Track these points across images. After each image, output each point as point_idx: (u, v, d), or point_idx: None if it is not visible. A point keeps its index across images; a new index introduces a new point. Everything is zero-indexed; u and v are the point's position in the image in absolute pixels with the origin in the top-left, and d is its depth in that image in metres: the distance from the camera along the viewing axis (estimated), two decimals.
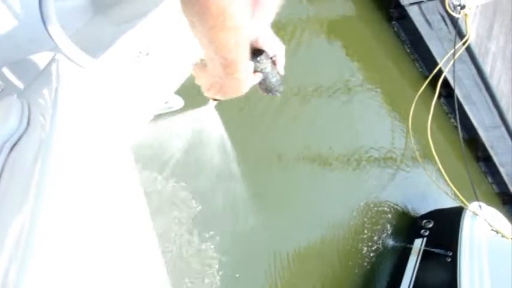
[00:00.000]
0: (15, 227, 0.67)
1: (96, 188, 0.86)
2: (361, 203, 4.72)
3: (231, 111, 3.06)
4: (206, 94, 1.18)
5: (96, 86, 1.23)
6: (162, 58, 1.43)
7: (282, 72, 1.21)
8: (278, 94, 1.22)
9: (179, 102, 1.50)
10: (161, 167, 2.74)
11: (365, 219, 4.69)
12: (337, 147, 4.55)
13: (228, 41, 0.89)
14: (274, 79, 1.19)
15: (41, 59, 1.21)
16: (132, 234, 0.82)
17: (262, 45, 1.16)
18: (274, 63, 1.18)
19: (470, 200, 5.28)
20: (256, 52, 1.14)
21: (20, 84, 1.20)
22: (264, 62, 1.15)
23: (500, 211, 5.62)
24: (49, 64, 1.18)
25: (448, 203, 5.74)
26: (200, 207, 2.95)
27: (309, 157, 4.11)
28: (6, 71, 1.22)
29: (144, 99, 1.41)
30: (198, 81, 1.17)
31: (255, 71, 1.15)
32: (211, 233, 3.00)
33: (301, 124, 3.99)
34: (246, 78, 1.09)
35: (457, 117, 5.44)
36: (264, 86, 1.20)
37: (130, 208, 0.88)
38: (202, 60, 1.11)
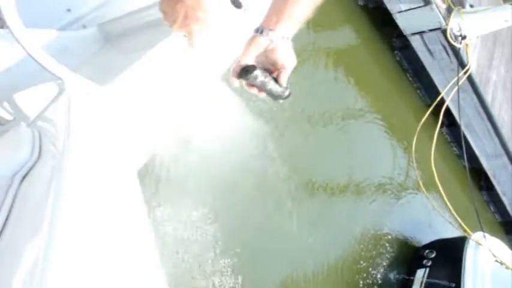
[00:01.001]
0: (28, 260, 0.66)
1: (107, 218, 0.86)
2: (362, 232, 4.68)
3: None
4: (171, 26, 1.16)
5: (106, 113, 1.23)
6: (168, 86, 1.44)
7: (284, 85, 1.21)
8: (281, 101, 1.25)
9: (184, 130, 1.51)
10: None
11: (365, 248, 4.63)
12: (338, 174, 4.54)
13: None
14: (274, 89, 1.20)
15: (51, 87, 1.22)
16: (139, 265, 0.82)
17: (276, 56, 1.17)
18: (276, 75, 1.20)
19: (473, 230, 5.24)
20: (249, 68, 1.16)
21: (31, 113, 1.21)
22: (254, 78, 1.16)
23: (503, 241, 5.58)
24: (59, 93, 1.19)
25: (451, 232, 5.70)
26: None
27: (308, 184, 4.09)
28: (17, 99, 1.23)
29: (152, 125, 1.41)
30: (162, 10, 1.16)
31: (251, 85, 1.18)
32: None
33: (302, 151, 3.99)
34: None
35: (463, 146, 5.43)
36: (266, 93, 1.22)
37: (137, 237, 0.87)
38: None
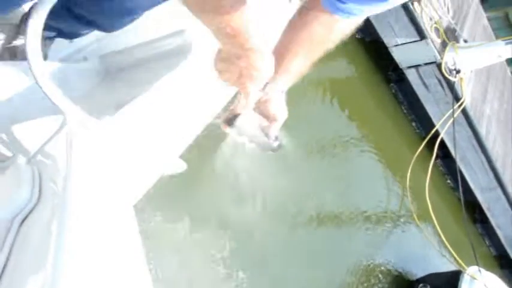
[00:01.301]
0: None
1: (106, 255, 0.85)
2: (353, 264, 4.63)
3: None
4: (224, 80, 1.14)
5: (105, 148, 1.22)
6: (169, 122, 1.43)
7: (272, 137, 1.22)
8: (270, 152, 1.25)
9: (182, 166, 1.50)
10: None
11: (357, 280, 4.57)
12: (332, 205, 4.52)
13: (232, 6, 0.91)
14: (263, 141, 1.21)
15: (52, 121, 1.21)
16: None
17: (269, 108, 1.19)
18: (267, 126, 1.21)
19: (468, 264, 5.21)
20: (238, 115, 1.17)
21: (30, 147, 1.20)
22: (244, 128, 1.18)
23: (498, 275, 5.55)
24: (61, 127, 1.18)
25: (445, 266, 5.67)
26: None
27: (300, 214, 4.06)
28: (16, 131, 1.22)
29: (151, 161, 1.40)
30: (217, 70, 1.14)
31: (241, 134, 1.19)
32: None
33: (297, 180, 3.97)
34: (261, 52, 1.04)
35: (459, 179, 5.46)
36: (255, 144, 1.22)
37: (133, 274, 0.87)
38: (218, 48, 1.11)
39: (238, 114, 1.17)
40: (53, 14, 1.17)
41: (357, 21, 1.13)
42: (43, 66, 1.05)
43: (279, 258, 3.65)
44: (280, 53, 1.14)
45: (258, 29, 1.01)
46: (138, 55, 1.57)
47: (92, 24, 1.42)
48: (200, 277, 2.87)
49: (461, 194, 5.10)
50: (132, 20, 1.42)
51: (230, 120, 1.18)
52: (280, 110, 1.22)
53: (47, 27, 1.46)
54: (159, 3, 1.33)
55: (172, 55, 1.53)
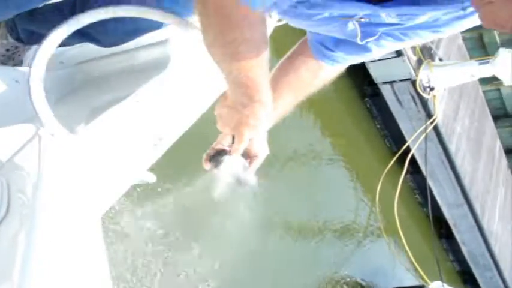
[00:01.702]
0: None
1: (72, 266, 0.85)
2: (319, 276, 4.65)
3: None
4: (223, 130, 1.17)
5: (76, 159, 1.21)
6: (142, 133, 1.42)
7: (251, 174, 1.25)
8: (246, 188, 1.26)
9: (152, 178, 1.49)
10: None
11: None
12: (300, 217, 4.53)
13: (249, 55, 0.94)
14: (243, 177, 1.23)
15: (20, 131, 1.19)
16: None
17: (252, 145, 1.21)
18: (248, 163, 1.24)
19: (432, 278, 5.29)
20: (223, 154, 1.20)
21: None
22: (226, 165, 1.20)
23: None
24: (33, 136, 1.17)
25: (410, 280, 5.74)
26: None
27: (269, 225, 4.04)
28: None
29: (121, 172, 1.38)
30: (218, 115, 1.15)
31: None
32: None
33: (267, 192, 3.97)
34: (267, 105, 1.05)
35: (428, 196, 5.54)
36: (234, 179, 1.23)
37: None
38: (224, 94, 1.13)
39: (224, 153, 1.20)
40: (50, 23, 1.18)
41: (340, 68, 1.24)
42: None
43: (245, 269, 3.63)
44: None
45: (268, 83, 1.03)
46: (116, 64, 1.56)
47: (91, 39, 1.43)
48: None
49: (429, 210, 5.18)
50: (132, 39, 1.44)
51: (216, 160, 1.20)
52: (262, 147, 1.27)
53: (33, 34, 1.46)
54: (159, 27, 1.39)
55: (150, 66, 1.52)
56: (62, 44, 1.40)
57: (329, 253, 4.84)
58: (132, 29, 1.43)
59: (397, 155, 5.61)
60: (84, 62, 1.60)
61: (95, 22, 1.27)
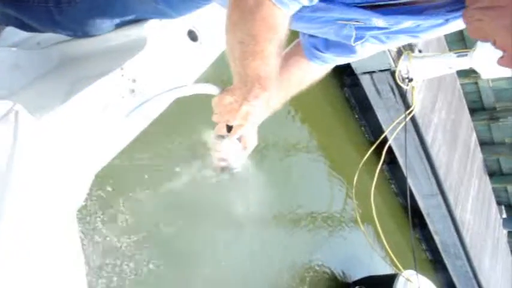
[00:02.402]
0: None
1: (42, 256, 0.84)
2: (293, 265, 4.66)
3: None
4: (219, 120, 1.26)
5: (48, 142, 1.20)
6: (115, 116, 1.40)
7: (239, 163, 1.36)
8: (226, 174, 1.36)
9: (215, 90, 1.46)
10: None
11: (293, 281, 4.61)
12: (275, 205, 4.51)
13: (271, 49, 1.00)
14: (233, 162, 1.33)
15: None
16: None
17: (245, 136, 1.32)
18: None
19: (405, 267, 5.37)
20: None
21: None
22: (232, 143, 1.29)
23: (433, 279, 5.75)
24: (6, 113, 1.15)
25: (383, 269, 5.81)
26: None
27: (243, 214, 4.02)
28: None
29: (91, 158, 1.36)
30: (219, 105, 1.22)
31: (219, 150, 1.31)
32: None
33: (243, 181, 3.95)
34: (269, 91, 1.12)
35: (408, 185, 5.62)
36: (223, 162, 1.33)
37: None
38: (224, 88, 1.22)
39: (223, 137, 1.28)
40: (33, 12, 1.20)
41: (328, 68, 1.39)
42: None
43: (216, 257, 3.62)
44: None
45: (275, 73, 1.09)
46: (94, 45, 1.54)
47: (66, 29, 1.44)
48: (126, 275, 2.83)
49: (408, 200, 5.25)
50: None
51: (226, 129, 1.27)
52: (253, 139, 1.37)
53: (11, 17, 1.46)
54: (146, 19, 1.46)
55: (127, 47, 1.51)
56: (36, 30, 1.39)
57: (303, 241, 4.86)
58: (120, 22, 1.47)
59: (374, 145, 5.66)
60: (60, 43, 1.58)
61: (84, 16, 1.29)
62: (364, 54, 1.26)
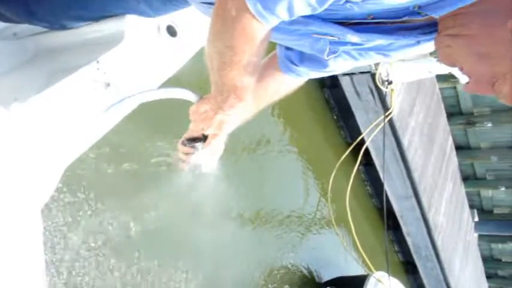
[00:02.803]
0: None
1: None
2: (265, 264, 4.66)
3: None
4: (196, 127, 1.31)
5: (23, 132, 1.18)
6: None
7: (207, 167, 1.40)
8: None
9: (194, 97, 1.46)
10: None
11: (264, 280, 4.61)
12: (251, 206, 4.49)
13: (249, 60, 1.03)
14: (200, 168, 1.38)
15: None
16: None
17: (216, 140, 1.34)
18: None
19: (377, 268, 5.42)
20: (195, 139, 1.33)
21: None
22: (202, 150, 1.34)
23: (404, 280, 5.82)
24: None
25: (355, 270, 5.85)
26: None
27: (217, 214, 3.96)
28: None
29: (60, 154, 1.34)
30: (195, 113, 1.28)
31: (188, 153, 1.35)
32: None
33: (217, 180, 3.90)
34: (243, 102, 1.17)
35: (384, 188, 5.65)
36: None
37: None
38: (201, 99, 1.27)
39: (198, 140, 1.33)
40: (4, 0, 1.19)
41: (302, 81, 1.42)
42: None
43: (187, 257, 3.58)
44: None
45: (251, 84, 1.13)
46: (70, 38, 1.52)
47: (42, 21, 1.43)
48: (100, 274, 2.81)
49: (384, 204, 5.30)
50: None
51: (190, 144, 1.33)
52: (220, 146, 1.40)
53: None
54: (125, 13, 1.46)
55: (104, 40, 1.49)
56: (12, 21, 1.36)
57: (276, 241, 4.84)
58: (96, 16, 1.46)
59: (351, 146, 5.70)
60: (37, 34, 1.56)
61: (62, 9, 1.28)
62: (336, 69, 1.28)
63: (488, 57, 0.90)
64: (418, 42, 1.05)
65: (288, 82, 1.42)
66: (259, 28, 0.98)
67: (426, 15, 0.95)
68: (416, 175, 6.73)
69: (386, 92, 5.44)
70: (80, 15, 1.44)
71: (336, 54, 1.15)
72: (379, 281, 5.18)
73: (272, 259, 4.77)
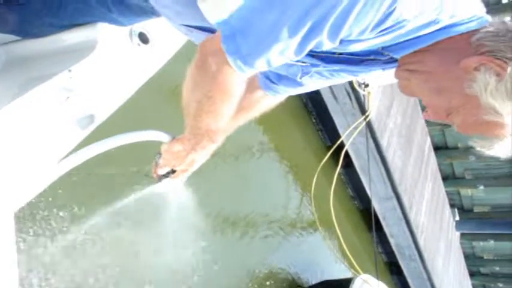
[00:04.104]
0: None
1: None
2: (248, 268, 4.61)
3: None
4: (165, 164, 1.39)
5: None
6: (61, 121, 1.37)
7: (182, 179, 1.47)
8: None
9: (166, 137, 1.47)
10: None
11: (248, 285, 4.56)
12: (232, 209, 4.44)
13: (225, 110, 1.11)
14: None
15: None
16: None
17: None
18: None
19: (362, 270, 5.44)
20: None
21: None
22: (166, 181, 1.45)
23: (389, 280, 5.85)
24: None
25: (339, 273, 5.85)
26: None
27: (198, 218, 3.92)
28: None
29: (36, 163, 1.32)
30: (167, 152, 1.35)
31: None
32: None
33: (197, 184, 3.88)
34: (216, 143, 1.27)
35: (370, 190, 5.69)
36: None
37: None
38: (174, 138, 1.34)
39: (168, 174, 1.42)
40: None
41: (281, 98, 1.48)
42: None
43: (167, 264, 3.53)
44: None
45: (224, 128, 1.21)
46: (41, 46, 1.51)
47: (14, 29, 1.44)
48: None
49: (372, 206, 5.33)
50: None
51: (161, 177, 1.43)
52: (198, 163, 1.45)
53: None
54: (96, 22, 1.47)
55: (77, 48, 1.49)
56: None
57: (259, 246, 4.79)
58: (68, 24, 1.47)
59: (331, 150, 5.73)
60: (8, 43, 1.55)
61: (34, 17, 1.28)
62: (312, 87, 1.35)
63: (444, 92, 0.98)
64: (383, 70, 1.14)
65: (267, 99, 1.49)
66: (237, 80, 1.05)
67: (389, 55, 1.04)
68: (396, 176, 6.78)
69: (363, 94, 5.48)
70: (52, 23, 1.43)
71: (309, 75, 1.23)
72: (366, 282, 5.20)
73: (255, 264, 4.73)
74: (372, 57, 1.08)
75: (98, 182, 2.79)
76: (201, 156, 1.32)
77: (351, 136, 5.66)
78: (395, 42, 0.98)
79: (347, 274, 5.86)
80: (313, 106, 6.02)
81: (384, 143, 6.33)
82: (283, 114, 5.58)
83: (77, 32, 1.49)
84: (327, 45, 0.95)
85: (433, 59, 0.98)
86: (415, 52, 1.00)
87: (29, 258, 2.44)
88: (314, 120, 6.17)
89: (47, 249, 2.53)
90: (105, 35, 1.47)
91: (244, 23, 0.94)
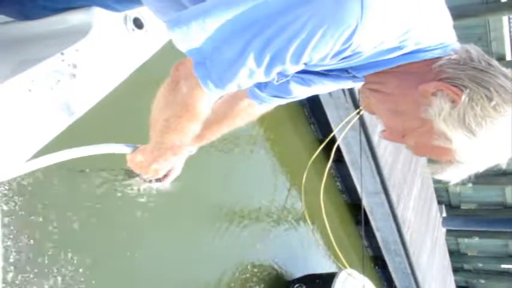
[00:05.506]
0: None
1: None
2: (233, 261, 4.62)
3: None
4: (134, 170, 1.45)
5: None
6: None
7: (160, 186, 1.53)
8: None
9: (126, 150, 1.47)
10: None
11: (232, 279, 4.55)
12: (220, 202, 4.47)
13: (192, 129, 1.15)
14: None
15: None
16: None
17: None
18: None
19: (347, 264, 5.47)
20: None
21: None
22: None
23: (372, 275, 5.89)
24: None
25: (325, 267, 5.86)
26: None
27: (186, 210, 3.87)
28: None
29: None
30: (130, 163, 1.42)
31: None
32: None
33: (186, 177, 3.83)
34: (179, 154, 1.36)
35: (361, 184, 5.68)
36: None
37: None
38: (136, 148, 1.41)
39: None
40: None
41: (267, 107, 1.49)
42: None
43: (152, 256, 3.50)
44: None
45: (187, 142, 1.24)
46: (35, 29, 1.49)
47: (6, 10, 1.42)
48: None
49: (362, 203, 5.35)
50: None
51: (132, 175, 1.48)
52: (175, 170, 1.53)
53: None
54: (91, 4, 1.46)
55: (71, 32, 1.47)
56: None
57: (245, 238, 4.74)
58: (62, 7, 1.45)
59: (324, 143, 5.73)
60: (1, 24, 1.53)
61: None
62: (299, 95, 1.36)
63: (400, 114, 1.01)
64: (354, 81, 1.16)
65: (253, 108, 1.50)
66: (207, 102, 1.09)
67: (352, 73, 1.07)
68: (385, 171, 6.81)
69: (358, 89, 5.47)
70: (46, 5, 1.42)
71: (287, 78, 1.25)
72: (350, 275, 5.24)
73: (241, 257, 4.72)
74: (335, 72, 1.11)
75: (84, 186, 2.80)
76: (164, 166, 1.40)
77: (343, 130, 5.66)
78: (358, 64, 1.01)
79: (333, 268, 5.89)
80: (307, 99, 6.00)
81: (375, 138, 6.33)
82: (275, 106, 5.56)
83: (71, 15, 1.47)
84: (292, 70, 0.98)
85: (394, 81, 1.00)
86: (378, 73, 1.02)
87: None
88: (307, 114, 6.16)
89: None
90: (100, 19, 1.46)
91: (213, 51, 0.97)
